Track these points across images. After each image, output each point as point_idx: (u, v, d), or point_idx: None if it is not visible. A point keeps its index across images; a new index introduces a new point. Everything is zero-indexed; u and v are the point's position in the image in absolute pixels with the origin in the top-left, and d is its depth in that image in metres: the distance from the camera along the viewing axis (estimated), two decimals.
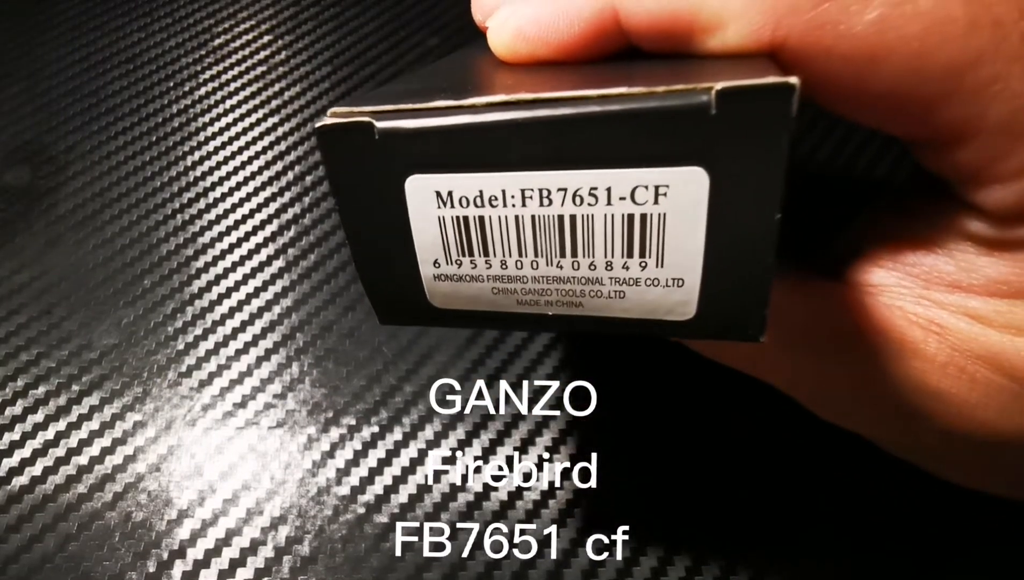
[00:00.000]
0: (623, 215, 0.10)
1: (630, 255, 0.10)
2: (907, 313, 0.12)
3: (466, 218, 0.10)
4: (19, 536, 0.18)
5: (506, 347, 0.21)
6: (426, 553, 0.18)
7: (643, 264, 0.10)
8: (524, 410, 0.20)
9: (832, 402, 0.14)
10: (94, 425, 0.20)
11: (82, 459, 0.19)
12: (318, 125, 0.10)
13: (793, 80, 0.08)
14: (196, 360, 0.21)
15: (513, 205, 0.10)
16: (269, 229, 0.24)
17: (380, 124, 0.10)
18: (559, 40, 0.12)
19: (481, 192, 0.10)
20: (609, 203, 0.09)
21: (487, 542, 0.18)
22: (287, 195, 0.25)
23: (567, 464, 0.19)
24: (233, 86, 0.28)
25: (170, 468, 0.19)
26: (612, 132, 0.09)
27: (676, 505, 0.18)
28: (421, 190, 0.10)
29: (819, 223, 0.15)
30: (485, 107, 0.09)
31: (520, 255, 0.11)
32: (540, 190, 0.10)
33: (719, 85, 0.08)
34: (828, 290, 0.13)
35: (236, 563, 0.18)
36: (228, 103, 0.28)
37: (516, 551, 0.18)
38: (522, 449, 0.19)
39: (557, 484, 0.19)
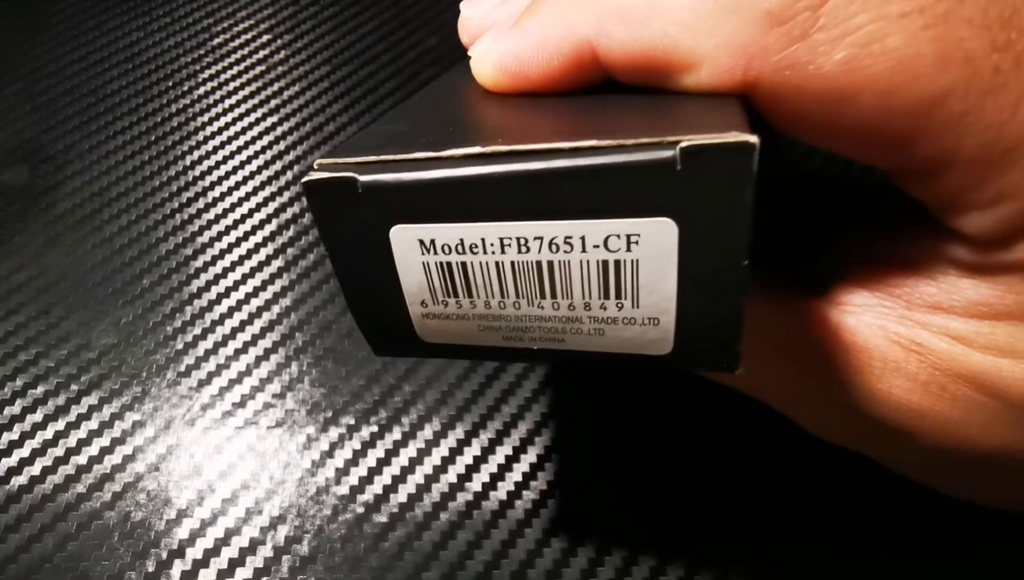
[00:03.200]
0: (598, 261, 0.10)
1: (607, 297, 0.10)
2: (889, 333, 0.13)
3: (449, 264, 0.11)
4: (17, 536, 0.18)
5: None
6: (425, 552, 0.18)
7: (619, 305, 0.11)
8: (523, 411, 0.20)
9: (817, 418, 0.14)
10: (93, 425, 0.20)
11: (80, 459, 0.19)
12: (304, 180, 0.11)
13: (753, 139, 0.08)
14: (195, 359, 0.21)
15: (493, 252, 0.10)
16: (268, 229, 0.24)
17: (363, 178, 0.10)
18: (539, 74, 0.12)
19: (462, 240, 0.10)
20: (584, 250, 0.10)
21: (486, 542, 0.18)
22: (286, 194, 0.25)
23: (566, 464, 0.19)
24: (232, 85, 0.28)
25: (169, 468, 0.19)
26: (583, 185, 0.09)
27: (672, 513, 0.18)
28: (405, 239, 0.11)
29: (809, 234, 0.16)
30: (462, 159, 0.10)
31: (502, 297, 0.11)
32: (518, 238, 0.10)
33: (684, 141, 0.09)
34: (810, 308, 0.13)
35: (235, 563, 0.18)
36: (227, 102, 0.28)
37: (514, 551, 0.18)
38: (521, 449, 0.19)
39: (556, 484, 0.19)
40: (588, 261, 0.10)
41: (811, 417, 0.14)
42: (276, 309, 0.22)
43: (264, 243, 0.24)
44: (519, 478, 0.19)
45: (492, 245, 0.10)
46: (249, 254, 0.23)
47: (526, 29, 0.12)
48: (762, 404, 0.14)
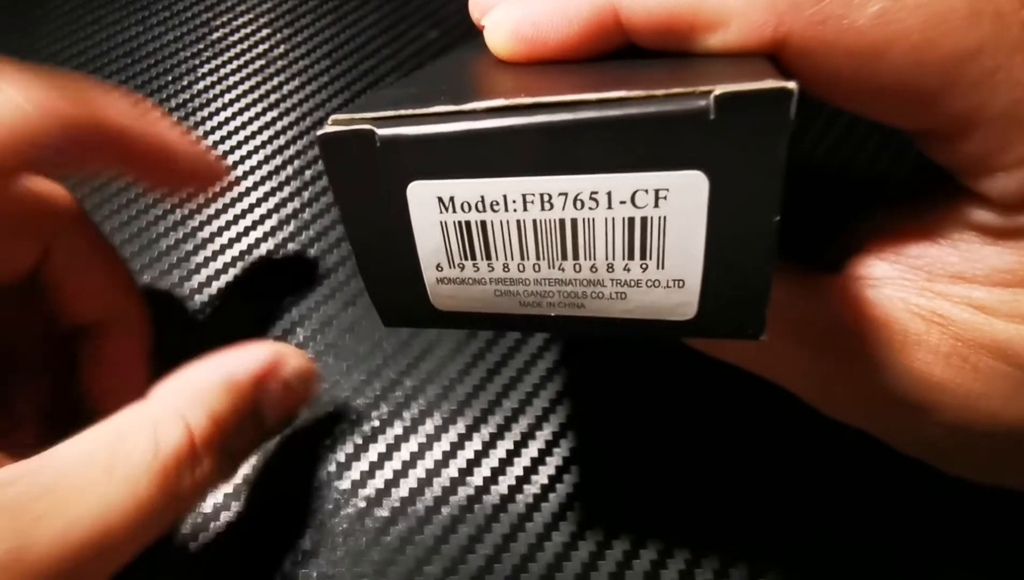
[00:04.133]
0: (624, 218, 0.10)
1: (631, 257, 0.10)
2: (909, 305, 0.12)
3: (468, 223, 0.10)
4: None
5: (506, 342, 0.21)
6: (426, 546, 0.18)
7: (644, 266, 0.10)
8: (524, 405, 0.20)
9: (835, 397, 0.14)
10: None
11: None
12: (319, 133, 0.10)
13: (791, 85, 0.08)
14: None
15: (515, 209, 0.10)
16: (269, 224, 0.24)
17: (381, 131, 0.10)
18: (557, 40, 0.12)
19: (483, 197, 0.10)
20: (610, 207, 0.10)
21: (487, 535, 0.18)
22: (286, 190, 0.25)
23: (567, 458, 0.19)
24: (232, 80, 0.28)
25: None
26: (611, 137, 0.09)
27: (674, 505, 0.18)
28: (423, 196, 0.10)
29: (821, 217, 0.15)
30: (484, 112, 0.10)
31: (522, 258, 0.11)
32: (541, 195, 0.10)
33: (718, 90, 0.08)
34: (829, 284, 0.13)
35: (235, 556, 0.18)
36: (227, 97, 0.28)
37: (515, 545, 0.18)
38: (522, 443, 0.19)
39: (557, 478, 0.19)
40: (614, 218, 0.10)
41: (828, 396, 0.14)
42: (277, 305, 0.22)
43: (265, 238, 0.24)
44: (520, 472, 0.19)
45: (514, 202, 0.10)
46: (250, 250, 0.23)
47: None
48: (769, 394, 0.14)
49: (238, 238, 0.24)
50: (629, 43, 0.12)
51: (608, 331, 0.11)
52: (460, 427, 0.20)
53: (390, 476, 0.19)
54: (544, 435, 0.19)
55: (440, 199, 0.10)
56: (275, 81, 0.28)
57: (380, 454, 0.19)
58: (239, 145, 0.26)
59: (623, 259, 0.10)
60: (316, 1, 0.31)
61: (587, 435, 0.19)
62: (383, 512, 0.18)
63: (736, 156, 0.09)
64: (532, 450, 0.19)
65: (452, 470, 0.19)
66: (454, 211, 0.10)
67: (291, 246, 0.24)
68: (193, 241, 0.24)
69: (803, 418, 0.14)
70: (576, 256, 0.10)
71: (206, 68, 0.29)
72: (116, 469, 0.12)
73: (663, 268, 0.10)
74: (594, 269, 0.10)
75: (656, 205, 0.09)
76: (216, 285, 0.23)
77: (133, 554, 0.13)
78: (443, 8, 0.31)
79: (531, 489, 0.18)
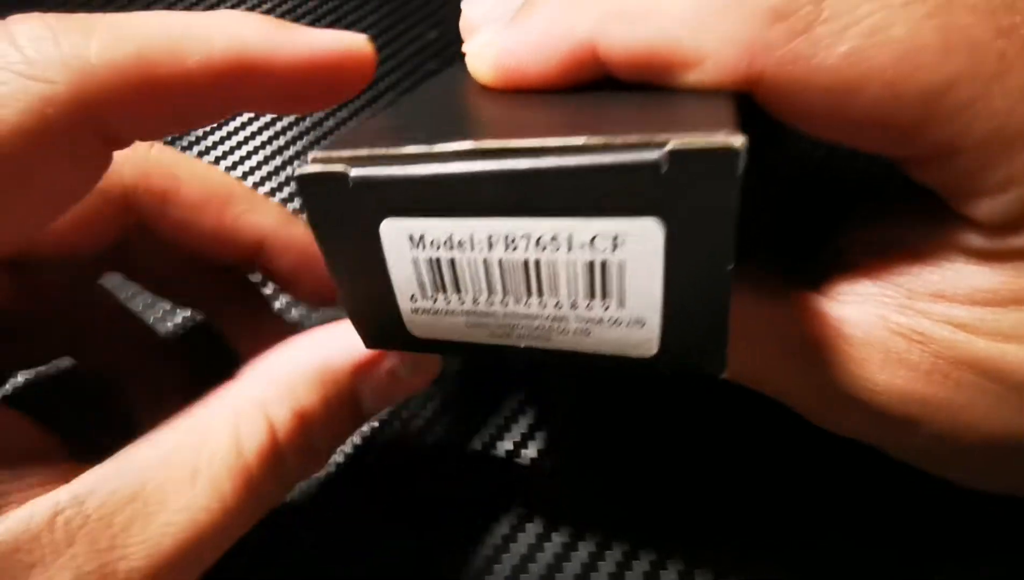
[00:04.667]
0: (584, 261, 0.10)
1: (592, 297, 0.10)
2: (889, 323, 0.13)
3: (438, 259, 0.11)
4: None
5: None
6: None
7: (605, 305, 0.10)
8: (520, 406, 0.20)
9: (821, 410, 0.14)
10: None
11: None
12: (296, 173, 0.11)
13: (738, 142, 0.08)
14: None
15: (481, 249, 0.10)
16: None
17: (353, 172, 0.10)
18: (536, 73, 0.12)
19: (451, 236, 0.10)
20: (570, 249, 0.10)
21: (487, 536, 0.18)
22: (286, 190, 0.25)
23: (567, 460, 0.19)
24: None
25: None
26: (570, 184, 0.09)
27: (671, 508, 0.18)
28: (395, 233, 0.11)
29: (814, 226, 0.15)
30: (452, 155, 0.10)
31: (490, 294, 0.11)
32: (505, 236, 0.10)
33: (671, 143, 0.09)
34: (811, 301, 0.13)
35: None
36: None
37: (515, 545, 0.18)
38: (522, 443, 0.19)
39: (556, 479, 0.19)
40: (575, 261, 0.10)
41: (815, 409, 0.14)
42: (277, 305, 0.22)
43: None
44: (517, 471, 0.19)
45: (480, 241, 0.10)
46: None
47: (524, 27, 0.12)
48: (763, 395, 0.14)
49: None
50: (607, 74, 0.12)
51: (577, 362, 0.12)
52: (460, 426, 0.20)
53: (391, 475, 0.19)
54: (543, 436, 0.19)
55: (411, 236, 0.11)
56: None
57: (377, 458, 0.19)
58: (239, 145, 0.26)
59: (585, 298, 0.10)
60: (315, 2, 0.31)
61: (584, 437, 0.19)
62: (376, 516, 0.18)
63: (688, 206, 0.09)
64: (531, 451, 0.19)
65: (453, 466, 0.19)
66: (424, 248, 0.11)
67: None
68: None
69: (794, 418, 0.14)
70: (540, 293, 0.11)
71: None
72: (200, 472, 0.12)
73: (624, 308, 0.10)
74: (558, 306, 0.11)
75: (614, 250, 0.10)
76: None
77: (216, 559, 0.12)
78: (442, 9, 0.31)
79: (530, 489, 0.18)
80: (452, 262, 0.11)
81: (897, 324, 0.12)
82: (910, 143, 0.11)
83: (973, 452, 0.13)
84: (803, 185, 0.20)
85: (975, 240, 0.12)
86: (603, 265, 0.10)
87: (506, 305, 0.11)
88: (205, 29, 0.12)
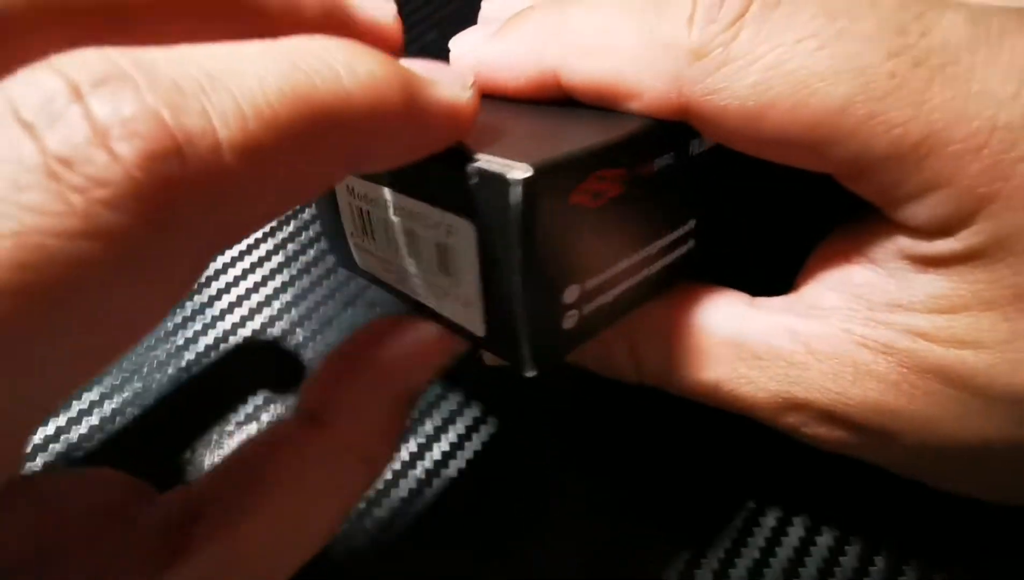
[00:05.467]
0: (434, 240, 0.12)
1: (440, 271, 0.13)
2: (854, 336, 0.13)
3: (360, 208, 0.14)
4: None
5: None
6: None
7: (448, 281, 0.13)
8: (516, 402, 0.20)
9: (798, 426, 0.14)
10: (94, 420, 0.20)
11: (81, 455, 0.19)
12: None
13: (517, 176, 0.10)
14: (195, 355, 0.21)
15: (384, 208, 0.13)
16: (268, 225, 0.24)
17: None
18: (506, 85, 0.14)
19: (367, 193, 0.14)
20: (426, 226, 0.12)
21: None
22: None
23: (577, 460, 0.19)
24: None
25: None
26: (430, 178, 0.12)
27: (666, 508, 0.18)
28: (343, 183, 0.14)
29: (795, 237, 0.16)
30: None
31: (387, 245, 0.14)
32: (393, 203, 0.13)
33: (479, 165, 0.11)
34: (781, 318, 0.14)
35: None
36: None
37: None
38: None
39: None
40: (429, 237, 0.12)
41: (793, 425, 0.14)
42: (277, 305, 0.22)
43: (264, 239, 0.24)
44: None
45: (383, 203, 0.13)
46: (249, 250, 0.23)
47: (502, 45, 0.14)
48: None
49: (240, 257, 0.24)
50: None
51: (446, 325, 0.14)
52: (459, 428, 0.20)
53: (390, 477, 0.19)
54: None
55: (348, 187, 0.14)
56: None
57: None
58: None
59: (439, 270, 0.13)
60: None
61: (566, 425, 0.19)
62: (382, 513, 0.18)
63: (490, 222, 0.11)
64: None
65: (452, 471, 0.19)
66: (354, 197, 0.14)
67: (290, 246, 0.24)
68: None
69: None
70: (414, 256, 0.13)
71: None
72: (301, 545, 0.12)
73: (459, 287, 0.13)
74: (426, 270, 0.13)
75: (448, 236, 0.12)
76: (215, 285, 0.23)
77: None
78: (441, 9, 0.31)
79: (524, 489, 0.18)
80: (368, 213, 0.14)
81: (863, 336, 0.13)
82: (824, 159, 0.12)
83: (955, 461, 0.13)
84: (788, 196, 0.20)
85: (919, 246, 0.12)
86: (445, 247, 0.12)
87: (399, 258, 0.14)
88: None
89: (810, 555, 0.17)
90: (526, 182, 0.10)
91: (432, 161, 0.11)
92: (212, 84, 0.07)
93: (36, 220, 0.06)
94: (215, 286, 0.23)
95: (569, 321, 0.13)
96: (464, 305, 0.13)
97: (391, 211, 0.13)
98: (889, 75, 0.11)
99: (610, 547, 0.18)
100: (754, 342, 0.14)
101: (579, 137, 0.12)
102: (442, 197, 0.12)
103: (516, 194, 0.10)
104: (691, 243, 0.15)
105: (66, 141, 0.07)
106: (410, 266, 0.14)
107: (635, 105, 0.13)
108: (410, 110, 0.10)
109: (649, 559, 0.17)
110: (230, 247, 0.12)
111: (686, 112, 0.13)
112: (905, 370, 0.12)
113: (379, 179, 0.13)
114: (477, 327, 0.13)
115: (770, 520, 0.18)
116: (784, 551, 0.17)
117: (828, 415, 0.13)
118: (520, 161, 0.10)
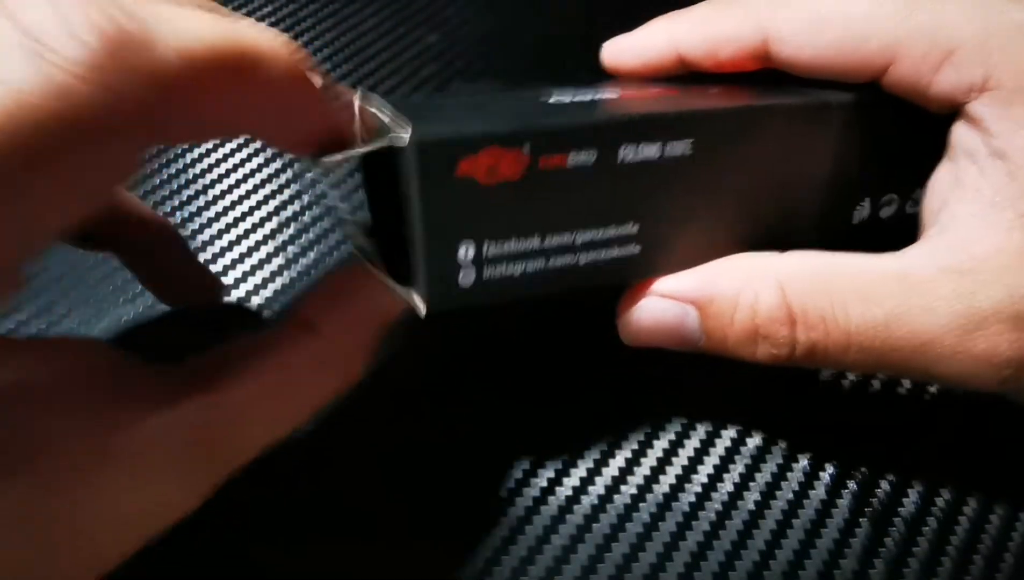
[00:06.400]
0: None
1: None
2: (1009, 221, 0.15)
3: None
4: None
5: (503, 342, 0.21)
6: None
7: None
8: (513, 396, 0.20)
9: (997, 347, 0.14)
10: None
11: None
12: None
13: (404, 143, 0.13)
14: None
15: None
16: (268, 226, 0.24)
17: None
18: (630, 67, 0.19)
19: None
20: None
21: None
22: (286, 192, 0.25)
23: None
24: None
25: None
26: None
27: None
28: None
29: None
30: None
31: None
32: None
33: (398, 134, 0.13)
34: (934, 242, 0.16)
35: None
36: None
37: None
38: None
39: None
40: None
41: (984, 350, 0.14)
42: (276, 306, 0.22)
43: (264, 241, 0.24)
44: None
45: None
46: (249, 252, 0.23)
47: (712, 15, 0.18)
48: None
49: (237, 240, 0.24)
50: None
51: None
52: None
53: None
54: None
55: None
56: None
57: None
58: (239, 148, 0.26)
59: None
60: (316, 5, 0.31)
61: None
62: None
63: (405, 179, 0.13)
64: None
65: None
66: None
67: (291, 249, 0.24)
68: (192, 243, 0.24)
69: None
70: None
71: None
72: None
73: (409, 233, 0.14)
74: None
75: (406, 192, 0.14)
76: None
77: None
78: (443, 12, 0.31)
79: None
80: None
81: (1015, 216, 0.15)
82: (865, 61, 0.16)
83: None
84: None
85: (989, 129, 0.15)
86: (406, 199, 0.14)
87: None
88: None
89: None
90: (413, 148, 0.13)
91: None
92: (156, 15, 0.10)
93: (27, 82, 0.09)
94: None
95: (466, 277, 0.14)
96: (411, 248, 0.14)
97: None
98: None
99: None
100: (918, 272, 0.15)
101: (494, 119, 0.14)
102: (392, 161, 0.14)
103: (407, 161, 0.13)
104: (634, 248, 0.16)
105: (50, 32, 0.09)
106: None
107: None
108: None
109: None
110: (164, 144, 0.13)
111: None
112: None
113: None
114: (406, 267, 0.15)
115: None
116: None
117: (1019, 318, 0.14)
118: (418, 133, 0.13)
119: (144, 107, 0.10)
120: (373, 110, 0.14)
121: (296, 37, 0.30)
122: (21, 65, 0.09)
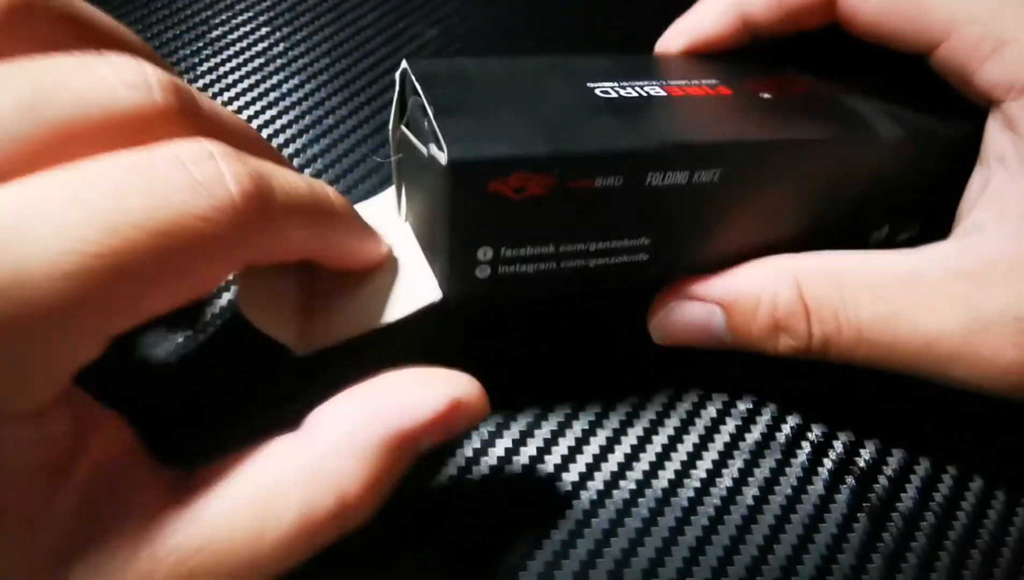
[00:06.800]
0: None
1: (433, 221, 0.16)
2: None
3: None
4: None
5: (504, 340, 0.21)
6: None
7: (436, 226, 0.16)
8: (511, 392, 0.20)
9: (1011, 348, 0.15)
10: None
11: None
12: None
13: (442, 163, 0.14)
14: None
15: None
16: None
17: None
18: (679, 45, 0.20)
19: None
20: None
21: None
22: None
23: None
24: (231, 78, 0.28)
25: None
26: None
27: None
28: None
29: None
30: None
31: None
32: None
33: (432, 151, 0.14)
34: (946, 247, 0.16)
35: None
36: (226, 96, 0.28)
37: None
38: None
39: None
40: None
41: (997, 346, 0.14)
42: None
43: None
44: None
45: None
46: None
47: None
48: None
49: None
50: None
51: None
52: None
53: None
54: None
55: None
56: (274, 80, 0.28)
57: None
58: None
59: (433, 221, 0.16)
60: (315, 0, 0.31)
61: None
62: None
63: (436, 187, 0.15)
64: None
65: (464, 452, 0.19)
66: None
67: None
68: None
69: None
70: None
71: (205, 67, 0.29)
72: (266, 535, 0.12)
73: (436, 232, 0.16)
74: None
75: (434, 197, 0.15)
76: (226, 295, 0.23)
77: None
78: (442, 7, 0.31)
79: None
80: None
81: None
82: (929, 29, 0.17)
83: None
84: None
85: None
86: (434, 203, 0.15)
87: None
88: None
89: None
90: (448, 168, 0.14)
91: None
92: (273, 172, 0.13)
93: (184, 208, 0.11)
94: (225, 297, 0.23)
95: (482, 271, 0.16)
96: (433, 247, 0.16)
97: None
98: None
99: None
100: (928, 272, 0.15)
101: (531, 132, 0.14)
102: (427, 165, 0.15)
103: (440, 174, 0.14)
104: (644, 256, 0.17)
105: (207, 175, 0.11)
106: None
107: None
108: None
109: None
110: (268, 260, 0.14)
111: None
112: None
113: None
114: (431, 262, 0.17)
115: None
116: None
117: None
118: (455, 153, 0.14)
119: (258, 238, 0.12)
120: (408, 133, 0.16)
121: (295, 32, 0.30)
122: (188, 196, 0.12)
